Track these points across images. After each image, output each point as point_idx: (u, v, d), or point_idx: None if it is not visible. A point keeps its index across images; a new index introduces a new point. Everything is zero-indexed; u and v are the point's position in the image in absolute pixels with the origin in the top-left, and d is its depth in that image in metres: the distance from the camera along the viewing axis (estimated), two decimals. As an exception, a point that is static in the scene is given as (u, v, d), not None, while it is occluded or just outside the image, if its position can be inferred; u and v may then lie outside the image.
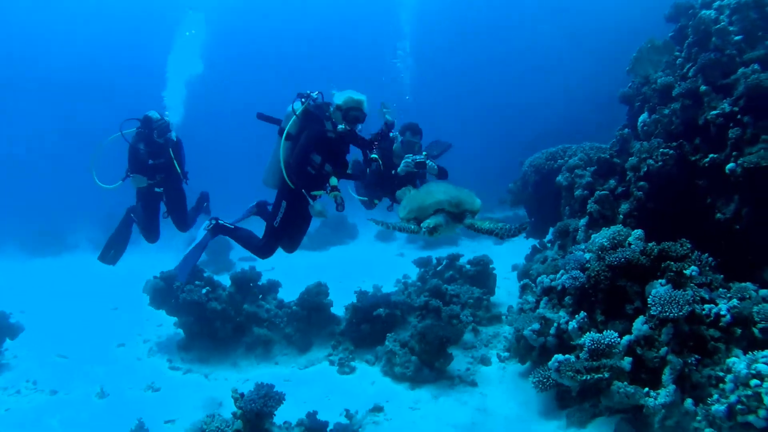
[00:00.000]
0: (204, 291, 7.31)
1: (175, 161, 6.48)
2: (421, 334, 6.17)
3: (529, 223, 9.75)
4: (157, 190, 6.67)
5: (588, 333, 4.54)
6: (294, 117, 5.28)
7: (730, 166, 5.12)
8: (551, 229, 7.79)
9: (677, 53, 6.42)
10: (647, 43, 6.89)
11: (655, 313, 4.21)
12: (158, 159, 6.49)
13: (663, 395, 3.97)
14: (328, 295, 7.66)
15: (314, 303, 7.50)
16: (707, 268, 4.65)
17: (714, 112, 5.45)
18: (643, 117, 6.59)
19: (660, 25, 7.11)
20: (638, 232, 5.09)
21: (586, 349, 4.40)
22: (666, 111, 6.15)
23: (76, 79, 35.66)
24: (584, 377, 4.28)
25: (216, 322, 7.21)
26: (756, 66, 5.29)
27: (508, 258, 10.19)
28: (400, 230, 4.40)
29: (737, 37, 5.66)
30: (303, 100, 5.35)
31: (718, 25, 5.74)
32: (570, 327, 4.83)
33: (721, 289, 4.48)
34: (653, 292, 4.37)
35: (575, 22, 30.11)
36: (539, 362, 5.23)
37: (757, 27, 5.65)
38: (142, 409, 5.52)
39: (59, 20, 32.97)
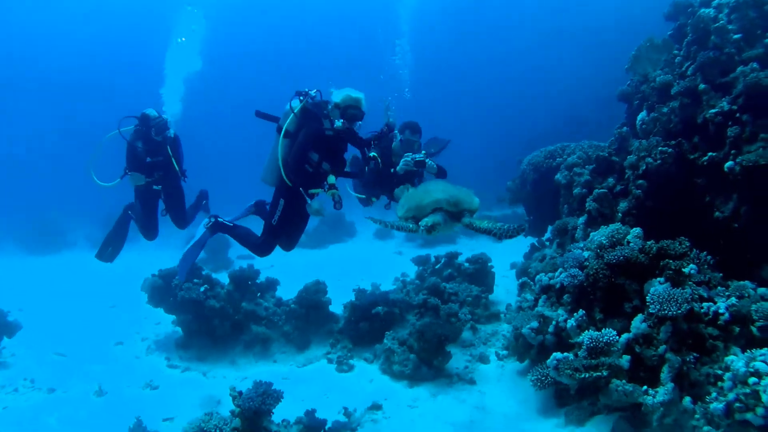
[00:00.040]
0: (202, 289, 7.31)
1: (173, 159, 6.47)
2: (419, 332, 6.17)
3: (528, 222, 9.76)
4: (155, 187, 6.65)
5: (586, 331, 4.54)
6: (292, 115, 5.27)
7: (728, 164, 5.12)
8: (550, 228, 7.78)
9: (676, 51, 6.41)
10: (646, 41, 6.88)
11: (653, 311, 4.21)
12: (156, 157, 6.47)
13: (661, 393, 3.97)
14: (327, 293, 7.66)
15: (313, 301, 7.50)
16: (706, 266, 4.66)
17: (713, 110, 5.44)
18: (642, 115, 6.58)
19: (659, 24, 7.10)
20: (637, 230, 5.08)
21: (584, 347, 4.41)
22: (665, 109, 6.15)
23: (74, 78, 35.60)
24: (583, 375, 4.28)
25: (214, 320, 7.21)
26: (755, 64, 5.29)
27: (506, 256, 10.18)
28: (398, 229, 4.39)
29: (736, 36, 5.65)
30: (301, 98, 5.33)
31: (717, 24, 5.74)
32: (568, 325, 4.83)
33: (719, 288, 4.49)
34: (652, 290, 4.37)
35: (574, 20, 30.12)
36: (538, 360, 5.23)
37: (756, 25, 5.64)
38: (141, 408, 5.52)
39: (56, 17, 32.86)
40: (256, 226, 5.89)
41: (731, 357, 3.89)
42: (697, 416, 3.83)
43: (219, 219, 6.00)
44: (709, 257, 4.70)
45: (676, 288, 4.32)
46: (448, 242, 13.86)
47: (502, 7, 31.66)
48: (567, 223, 7.05)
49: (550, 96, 29.94)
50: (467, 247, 11.24)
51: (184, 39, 7.16)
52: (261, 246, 5.69)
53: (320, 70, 32.54)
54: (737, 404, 3.54)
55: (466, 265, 8.54)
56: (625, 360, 4.26)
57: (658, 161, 5.80)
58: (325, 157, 5.33)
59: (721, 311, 4.18)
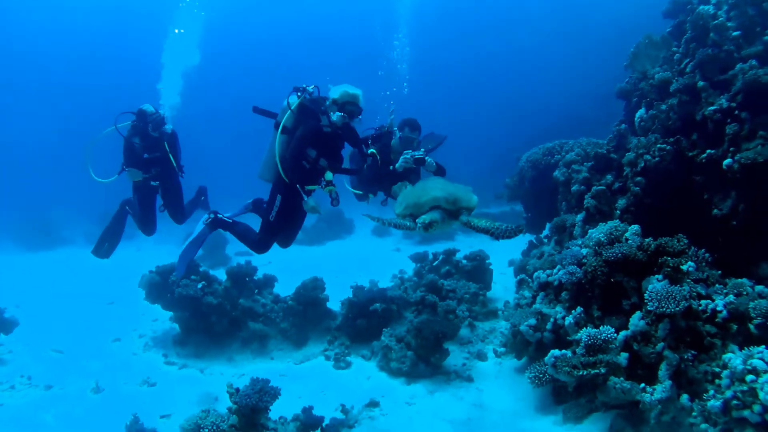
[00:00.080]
0: (200, 285, 7.29)
1: (170, 155, 6.45)
2: (417, 329, 6.16)
3: (526, 219, 9.77)
4: (153, 183, 6.64)
5: (584, 328, 4.54)
6: (289, 111, 5.25)
7: (727, 162, 5.12)
8: (548, 225, 7.79)
9: (675, 49, 6.40)
10: (645, 38, 6.86)
11: (651, 308, 4.21)
12: (153, 153, 6.46)
13: (659, 391, 3.98)
14: (324, 290, 7.65)
15: (310, 298, 7.48)
16: (704, 263, 4.65)
17: (711, 107, 5.43)
18: (641, 112, 6.58)
19: (658, 21, 7.10)
20: (635, 227, 5.08)
21: (582, 344, 4.40)
22: (663, 106, 6.14)
23: (71, 75, 35.49)
24: (581, 373, 4.28)
25: (212, 316, 7.20)
26: (754, 62, 5.28)
27: (504, 253, 10.18)
28: (396, 227, 4.39)
29: (735, 33, 5.64)
30: (299, 93, 5.31)
31: (716, 21, 5.72)
32: (566, 322, 4.83)
33: (717, 285, 4.49)
34: (650, 287, 4.37)
35: (573, 17, 30.08)
36: (536, 358, 5.23)
37: (755, 23, 5.63)
38: (138, 404, 5.50)
39: (53, 15, 32.71)
40: (254, 224, 5.88)
41: (729, 354, 3.90)
42: (694, 413, 3.84)
43: (219, 215, 5.99)
44: (707, 255, 4.70)
45: (674, 285, 4.32)
46: (446, 239, 13.87)
47: (501, 4, 31.59)
48: (565, 220, 7.05)
49: (548, 93, 29.92)
50: (465, 244, 11.24)
51: (182, 30, 7.14)
52: (258, 243, 5.68)
53: (319, 64, 32.58)
54: (734, 401, 3.55)
55: (464, 262, 8.54)
56: (623, 357, 4.26)
57: (657, 158, 5.80)
58: (323, 153, 5.32)
59: (719, 309, 4.18)
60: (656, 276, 4.55)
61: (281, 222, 5.53)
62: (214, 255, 13.31)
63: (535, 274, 5.74)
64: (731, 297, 4.23)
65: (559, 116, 22.59)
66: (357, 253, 14.08)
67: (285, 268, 9.62)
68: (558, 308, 5.13)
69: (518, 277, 6.96)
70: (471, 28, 33.75)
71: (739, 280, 4.45)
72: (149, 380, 6.34)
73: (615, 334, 4.36)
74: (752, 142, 5.03)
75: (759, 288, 4.32)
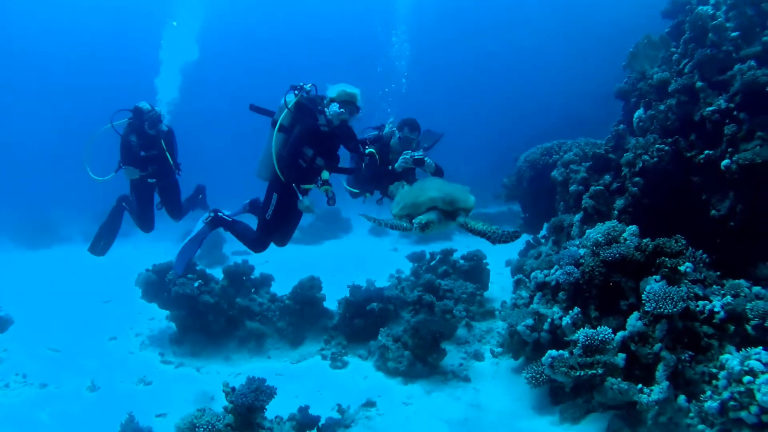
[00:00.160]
0: (196, 284, 7.26)
1: (167, 152, 6.44)
2: (414, 329, 6.15)
3: (524, 218, 9.76)
4: (150, 181, 6.63)
5: (582, 329, 4.53)
6: (286, 110, 5.24)
7: (725, 162, 5.12)
8: (545, 225, 7.79)
9: (674, 49, 6.39)
10: (644, 38, 6.85)
11: (649, 309, 4.20)
12: (150, 150, 6.45)
13: (656, 391, 3.97)
14: (321, 289, 7.62)
15: (307, 297, 7.47)
16: (702, 264, 4.66)
17: (710, 108, 5.43)
18: (639, 113, 6.57)
19: (657, 21, 7.09)
20: (633, 228, 5.07)
21: (579, 344, 4.39)
22: (662, 107, 6.13)
23: (69, 74, 35.40)
24: (578, 373, 4.27)
25: (208, 315, 7.17)
26: (753, 62, 5.28)
27: (501, 253, 10.13)
28: (392, 227, 4.37)
29: (734, 33, 5.64)
30: (296, 92, 5.30)
31: (715, 21, 5.72)
32: (564, 323, 4.82)
33: (715, 286, 4.49)
34: (648, 288, 4.36)
35: (572, 17, 30.09)
36: (533, 358, 5.22)
37: (754, 23, 5.62)
38: (134, 403, 5.47)
39: (53, 14, 32.62)
40: (252, 224, 5.87)
41: (726, 355, 3.90)
42: (691, 414, 3.83)
43: (219, 213, 5.97)
44: (704, 255, 4.70)
45: (672, 286, 4.31)
46: (443, 239, 13.85)
47: (501, 4, 31.60)
48: (563, 220, 7.04)
49: (548, 93, 29.94)
50: (462, 244, 11.21)
51: (177, 23, 7.13)
52: (256, 242, 5.67)
53: (317, 62, 32.55)
54: (732, 402, 3.55)
55: (462, 262, 8.53)
56: (620, 358, 4.25)
57: (655, 159, 5.79)
58: (320, 152, 5.31)
59: (716, 310, 4.18)
60: (654, 276, 4.54)
61: (278, 220, 5.52)
62: (211, 254, 13.26)
63: (533, 274, 5.73)
64: (729, 298, 4.22)
65: (559, 116, 22.60)
66: (354, 253, 14.06)
67: (282, 267, 9.61)
68: (555, 308, 5.13)
69: (515, 277, 6.94)
70: (470, 28, 33.76)
71: (737, 281, 4.45)
72: (145, 379, 6.32)
73: (612, 335, 4.35)
74: (750, 143, 5.03)
75: (756, 289, 4.32)
